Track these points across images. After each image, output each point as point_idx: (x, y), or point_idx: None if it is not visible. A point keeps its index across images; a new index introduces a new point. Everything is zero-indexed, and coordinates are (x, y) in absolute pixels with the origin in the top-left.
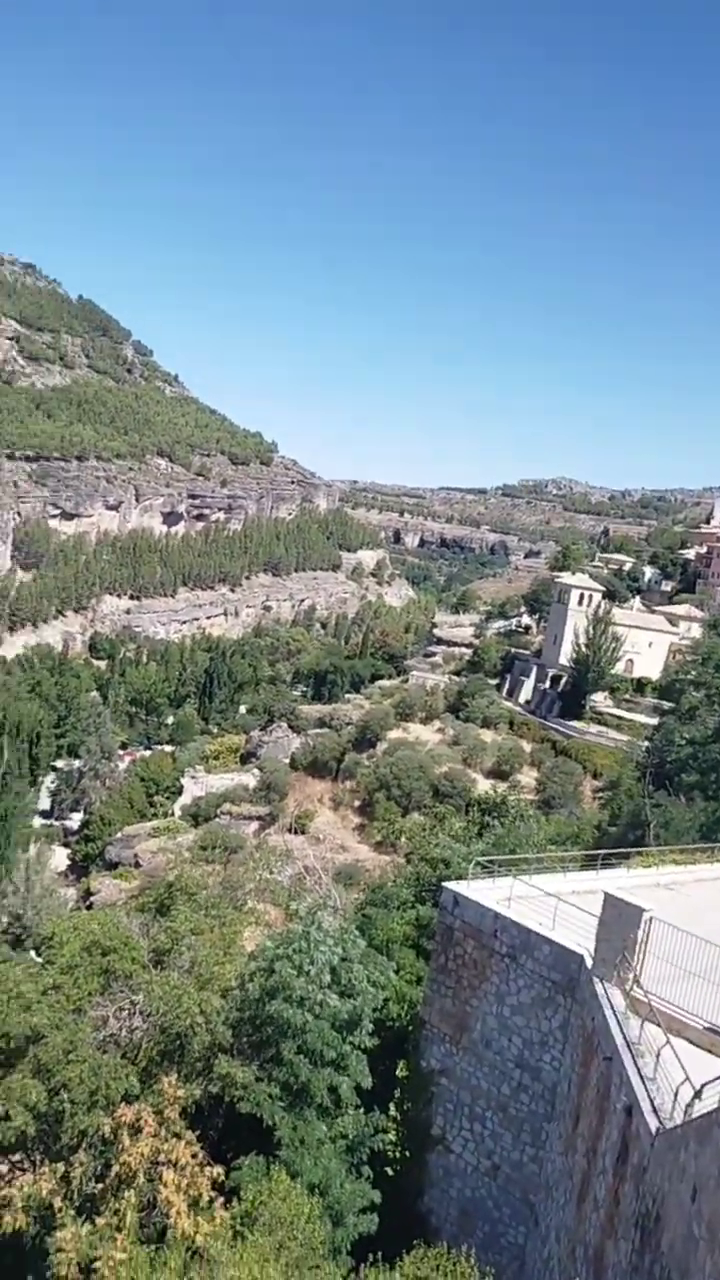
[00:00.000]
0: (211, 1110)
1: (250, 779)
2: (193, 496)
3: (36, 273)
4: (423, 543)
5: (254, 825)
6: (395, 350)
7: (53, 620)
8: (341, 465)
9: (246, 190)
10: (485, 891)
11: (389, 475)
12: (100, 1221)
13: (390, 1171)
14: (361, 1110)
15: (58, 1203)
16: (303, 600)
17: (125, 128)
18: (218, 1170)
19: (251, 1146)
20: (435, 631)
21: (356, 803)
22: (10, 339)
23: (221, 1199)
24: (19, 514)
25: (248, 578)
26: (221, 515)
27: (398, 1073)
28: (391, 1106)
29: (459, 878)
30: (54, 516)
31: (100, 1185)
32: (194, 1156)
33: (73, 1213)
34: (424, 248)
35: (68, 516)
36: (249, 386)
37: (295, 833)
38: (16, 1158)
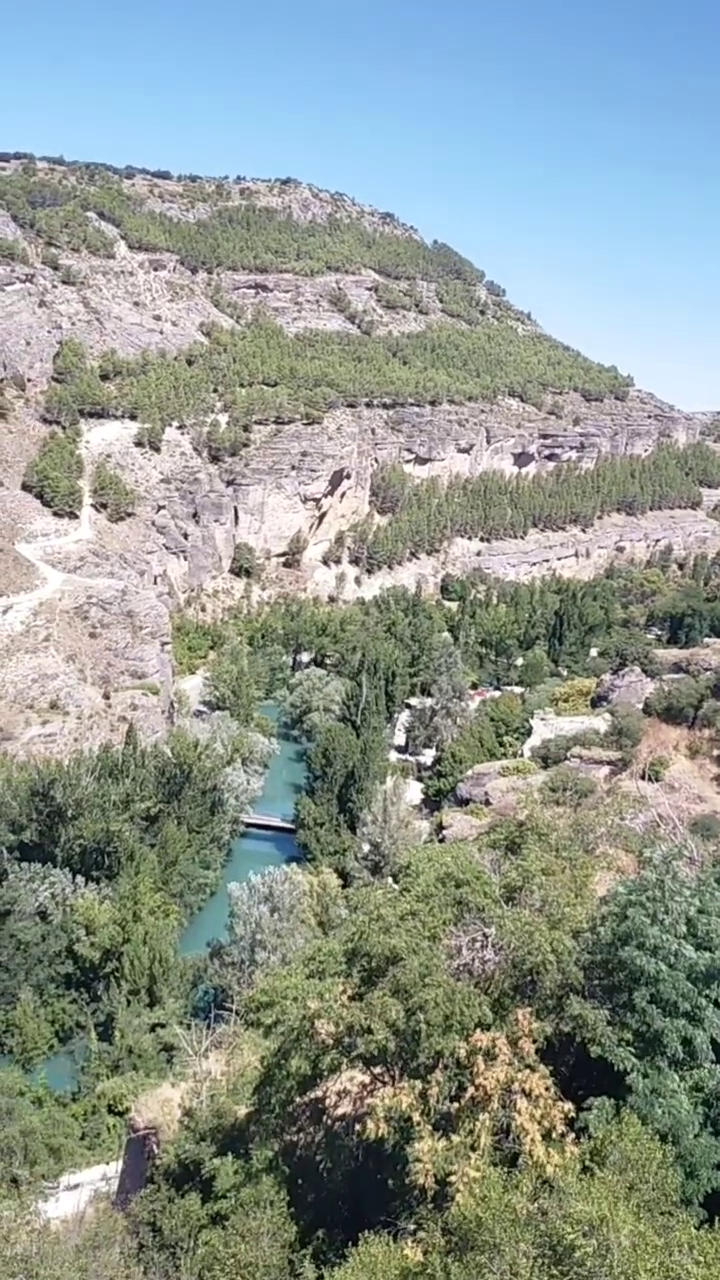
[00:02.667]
0: (562, 1048)
1: (601, 723)
2: (544, 436)
3: (394, 221)
4: None
5: (605, 770)
6: None
7: (407, 562)
8: (703, 395)
9: (598, 118)
10: None
11: None
12: (455, 1139)
13: None
14: (718, 1065)
15: (416, 1117)
16: (658, 540)
17: (487, 71)
18: (568, 1106)
19: (601, 1089)
20: None
21: (715, 752)
22: (369, 289)
23: (572, 1135)
24: (376, 460)
25: (600, 518)
26: (574, 454)
27: None
28: None
29: None
30: (408, 461)
31: (455, 1105)
32: (547, 1089)
33: (429, 1128)
34: None
35: (421, 461)
36: (604, 320)
37: (648, 780)
38: (378, 1070)
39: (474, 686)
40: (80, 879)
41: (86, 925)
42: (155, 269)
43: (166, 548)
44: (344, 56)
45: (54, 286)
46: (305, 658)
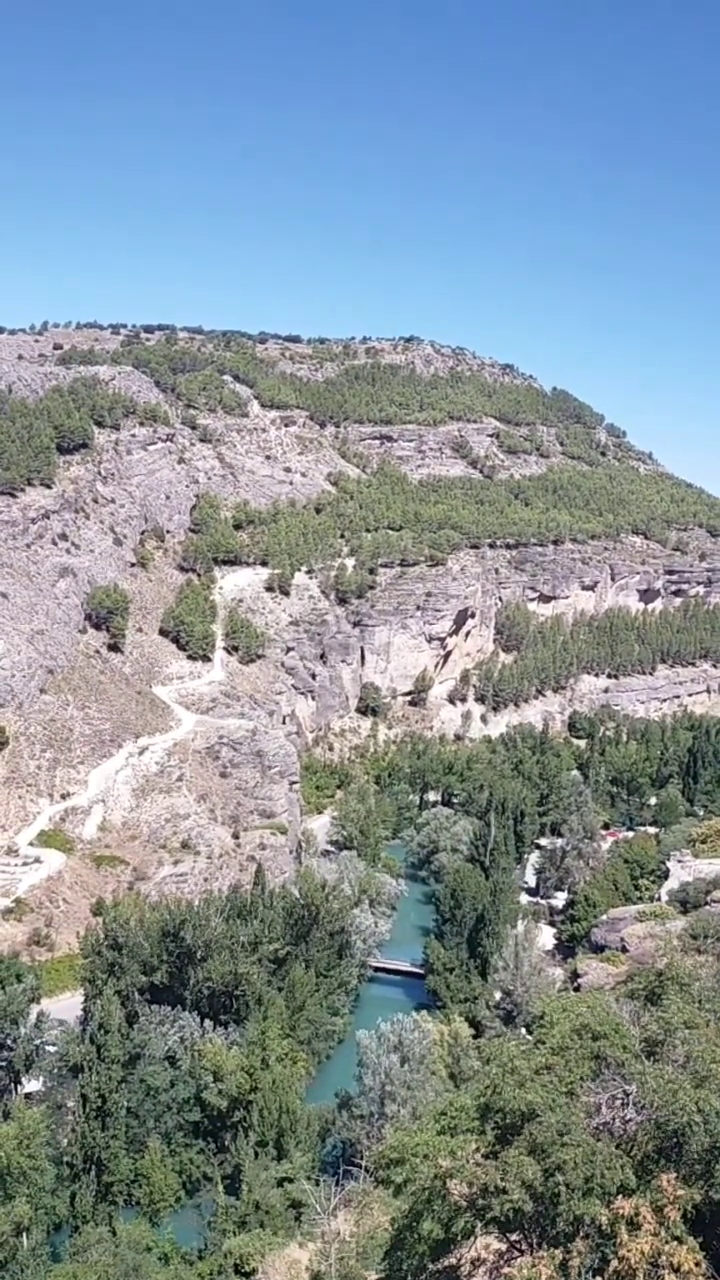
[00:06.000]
0: (713, 1219)
1: None
2: (670, 572)
3: (514, 371)
4: None
5: None
6: None
7: (533, 700)
8: None
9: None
10: None
11: None
12: None
13: None
14: None
15: None
16: None
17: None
18: None
19: None
20: None
21: None
22: (491, 436)
23: None
24: (500, 599)
25: None
26: (701, 589)
27: None
28: None
29: None
30: (532, 599)
31: (598, 1279)
32: (697, 1264)
33: None
34: None
35: (545, 599)
36: None
37: None
38: (515, 1237)
39: (606, 826)
40: (208, 1023)
41: (214, 1072)
42: (285, 425)
43: (295, 688)
44: (462, 219)
45: (192, 444)
46: (432, 797)
